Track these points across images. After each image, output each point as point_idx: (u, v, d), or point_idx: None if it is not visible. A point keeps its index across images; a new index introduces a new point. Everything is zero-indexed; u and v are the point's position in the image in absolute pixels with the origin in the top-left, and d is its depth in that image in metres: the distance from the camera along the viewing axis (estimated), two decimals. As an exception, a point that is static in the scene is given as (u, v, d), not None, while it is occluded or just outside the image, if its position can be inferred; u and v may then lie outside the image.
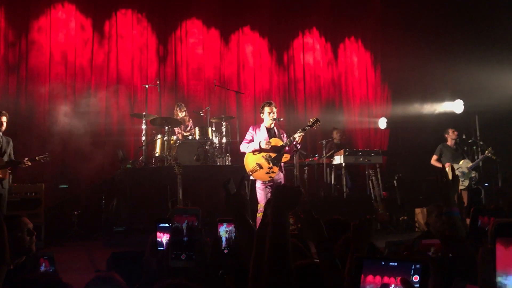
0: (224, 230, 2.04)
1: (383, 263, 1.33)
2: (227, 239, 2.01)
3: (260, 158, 6.15)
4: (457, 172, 7.67)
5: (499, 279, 0.83)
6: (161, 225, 2.23)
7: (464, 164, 7.98)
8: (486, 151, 7.94)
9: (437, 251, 2.11)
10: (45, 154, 6.78)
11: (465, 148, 8.47)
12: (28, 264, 2.60)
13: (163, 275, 1.88)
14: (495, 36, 9.72)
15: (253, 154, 6.22)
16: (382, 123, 11.00)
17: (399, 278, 1.29)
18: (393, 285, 1.30)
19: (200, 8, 10.16)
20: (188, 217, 1.85)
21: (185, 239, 1.81)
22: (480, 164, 8.14)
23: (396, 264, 1.32)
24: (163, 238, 2.21)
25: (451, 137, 8.27)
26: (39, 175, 8.22)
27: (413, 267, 1.30)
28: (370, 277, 1.33)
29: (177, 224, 1.83)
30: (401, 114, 10.85)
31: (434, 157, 8.29)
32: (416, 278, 1.28)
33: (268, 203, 1.96)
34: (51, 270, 2.18)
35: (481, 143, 8.45)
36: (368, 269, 1.33)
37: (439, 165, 8.16)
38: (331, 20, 11.50)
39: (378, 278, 1.32)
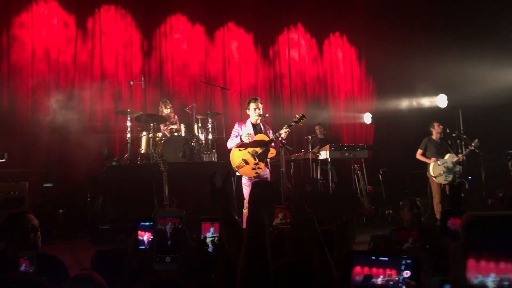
0: (210, 236, 2.03)
1: (373, 257, 1.35)
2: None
3: (246, 154, 6.15)
4: (442, 168, 7.84)
5: (471, 276, 0.83)
6: (142, 224, 2.23)
7: (449, 159, 8.05)
8: (473, 144, 8.01)
9: (414, 242, 2.14)
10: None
11: (449, 142, 8.55)
12: (5, 264, 2.60)
13: (145, 274, 1.88)
14: (478, 31, 9.84)
15: (239, 150, 6.22)
16: (367, 118, 11.08)
17: (387, 270, 1.30)
18: (381, 276, 1.32)
19: (185, 3, 10.11)
20: (171, 219, 1.84)
21: (169, 242, 1.80)
22: (465, 158, 8.22)
23: (387, 259, 1.33)
24: (145, 236, 2.21)
25: (436, 130, 8.31)
26: (23, 173, 8.13)
27: (404, 262, 1.31)
28: (358, 268, 1.34)
29: (161, 227, 1.82)
30: (386, 109, 10.94)
31: (419, 151, 8.33)
32: (407, 273, 1.30)
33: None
34: (31, 270, 2.16)
35: (464, 136, 8.54)
36: (358, 262, 1.34)
37: (424, 159, 8.23)
38: (316, 15, 11.53)
39: (366, 269, 1.33)
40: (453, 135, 8.60)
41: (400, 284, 1.31)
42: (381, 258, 1.34)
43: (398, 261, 1.32)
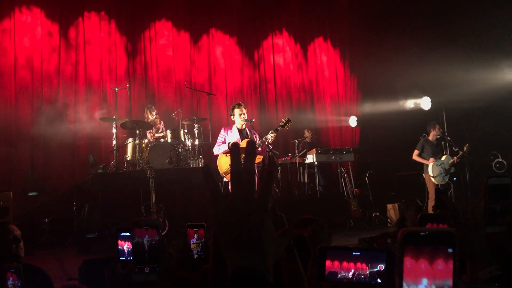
0: (195, 243, 2.03)
1: (346, 252, 1.35)
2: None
3: (232, 160, 6.15)
4: (440, 168, 7.92)
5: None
6: (122, 234, 2.23)
7: (446, 160, 8.14)
8: (465, 148, 8.13)
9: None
10: None
11: (447, 144, 8.64)
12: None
13: (127, 285, 1.87)
14: (461, 34, 9.97)
15: (226, 156, 6.22)
16: (353, 121, 11.15)
17: (358, 263, 1.31)
18: (352, 270, 1.32)
19: (169, 10, 10.10)
20: (148, 230, 1.83)
21: (146, 254, 1.80)
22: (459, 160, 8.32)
23: (359, 253, 1.34)
24: (125, 246, 2.21)
25: (436, 132, 8.37)
26: (7, 182, 8.03)
27: (376, 256, 1.32)
28: (328, 263, 1.34)
29: (138, 239, 1.81)
30: (371, 112, 11.03)
31: (416, 152, 8.32)
32: (381, 267, 1.30)
33: None
34: (19, 284, 2.12)
35: (449, 138, 8.64)
36: (329, 257, 1.34)
37: (421, 160, 8.26)
38: (300, 20, 11.60)
39: (336, 263, 1.33)
40: (437, 137, 8.69)
41: (370, 278, 1.32)
42: (354, 253, 1.34)
43: (370, 255, 1.33)
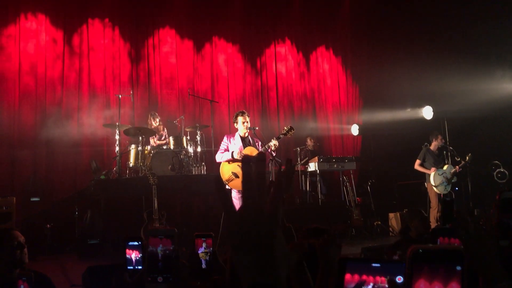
0: (203, 252, 2.05)
1: (366, 264, 1.35)
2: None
3: (235, 167, 6.17)
4: (441, 177, 7.94)
5: None
6: (130, 243, 2.25)
7: (448, 169, 8.17)
8: (467, 157, 8.16)
9: None
10: None
11: (448, 153, 8.66)
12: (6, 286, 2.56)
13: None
14: (463, 44, 10.02)
15: (229, 163, 6.24)
16: (355, 130, 11.17)
17: (377, 277, 1.30)
18: (371, 284, 1.32)
19: (172, 17, 10.15)
20: (163, 240, 1.84)
21: (159, 264, 1.81)
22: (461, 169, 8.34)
23: (379, 265, 1.33)
24: (132, 255, 2.23)
25: (438, 142, 8.42)
26: (9, 188, 8.04)
27: (396, 268, 1.31)
28: (348, 276, 1.33)
29: (152, 248, 1.82)
30: (373, 120, 11.05)
31: (418, 161, 8.39)
32: (399, 279, 1.30)
33: None
34: (31, 292, 2.12)
35: (451, 148, 8.67)
36: (349, 270, 1.34)
37: (423, 169, 8.30)
38: (302, 29, 11.67)
39: (356, 276, 1.33)
40: (439, 146, 8.71)
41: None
42: (373, 265, 1.34)
43: (389, 267, 1.33)
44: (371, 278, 1.31)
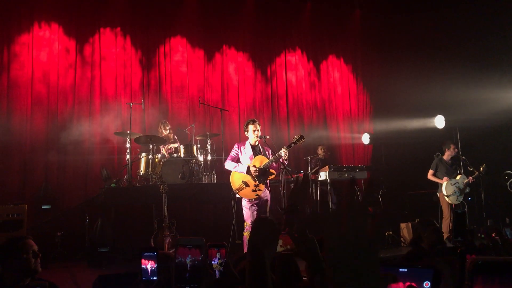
0: (217, 263, 2.02)
1: (393, 269, 1.33)
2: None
3: (246, 176, 6.14)
4: (454, 187, 7.87)
5: None
6: (145, 253, 2.24)
7: (461, 180, 8.13)
8: (481, 168, 8.10)
9: None
10: None
11: (461, 164, 8.60)
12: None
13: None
14: (474, 52, 9.95)
15: (239, 172, 6.21)
16: (366, 139, 11.11)
17: (407, 283, 1.29)
18: None
19: (184, 26, 10.21)
20: (192, 250, 1.83)
21: (187, 275, 1.79)
22: (474, 180, 8.27)
23: (406, 270, 1.32)
24: (148, 265, 2.21)
25: (451, 152, 8.39)
26: (21, 195, 8.09)
27: (423, 273, 1.30)
28: None
29: (181, 259, 1.81)
30: (384, 129, 10.99)
31: (431, 171, 8.41)
32: (427, 284, 1.28)
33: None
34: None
35: (463, 157, 8.59)
36: None
37: (436, 179, 8.29)
38: (313, 38, 11.70)
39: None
40: (452, 156, 8.63)
41: None
42: (400, 270, 1.33)
43: (417, 272, 1.31)
44: (400, 284, 1.30)
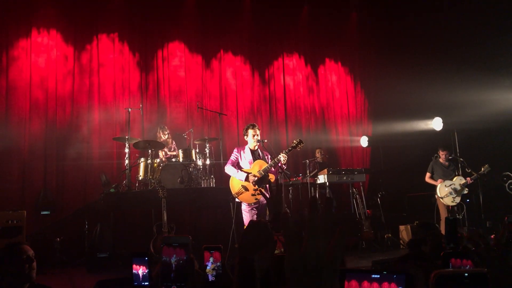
0: (210, 268, 2.04)
1: (365, 275, 1.33)
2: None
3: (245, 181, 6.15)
4: (449, 189, 7.89)
5: None
6: (136, 258, 2.25)
7: (457, 181, 8.15)
8: (482, 168, 8.12)
9: None
10: None
11: (459, 165, 8.62)
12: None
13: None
14: (473, 55, 9.98)
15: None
16: (364, 142, 11.14)
17: (383, 286, 1.29)
18: None
19: (182, 31, 10.23)
20: (177, 250, 1.83)
21: (172, 274, 1.80)
22: (472, 181, 8.27)
23: (378, 276, 1.32)
24: (139, 270, 2.23)
25: (441, 158, 8.47)
26: (20, 201, 8.08)
27: (395, 277, 1.30)
28: (352, 284, 1.30)
29: (165, 258, 1.82)
30: (382, 132, 11.01)
31: (428, 174, 8.50)
32: None
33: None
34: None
35: (461, 159, 8.61)
36: (348, 280, 1.32)
37: (432, 181, 8.35)
38: (310, 42, 11.72)
39: (355, 283, 1.30)
40: (450, 157, 8.66)
41: None
42: (373, 276, 1.33)
43: (389, 278, 1.31)
44: (375, 284, 1.30)
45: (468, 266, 2.42)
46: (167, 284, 1.81)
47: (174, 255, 1.85)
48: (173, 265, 1.83)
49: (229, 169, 6.32)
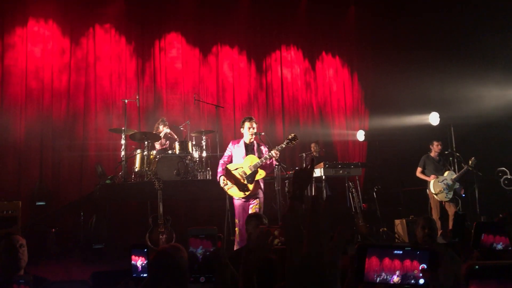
0: (200, 252, 2.04)
1: (387, 251, 1.30)
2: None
3: (235, 175, 6.17)
4: (442, 185, 7.90)
5: None
6: (136, 250, 2.25)
7: (449, 176, 8.16)
8: (470, 162, 8.13)
9: None
10: None
11: (450, 159, 8.64)
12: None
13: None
14: (469, 50, 9.98)
15: (232, 171, 6.22)
16: (361, 136, 11.14)
17: (404, 262, 1.26)
18: (397, 271, 1.28)
19: (179, 23, 10.18)
20: (204, 241, 1.84)
21: (196, 266, 1.80)
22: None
23: (401, 252, 1.29)
24: (138, 262, 2.22)
25: (434, 149, 8.46)
26: (15, 192, 8.06)
27: (419, 254, 1.27)
28: (367, 262, 1.29)
29: (192, 249, 1.82)
30: (379, 126, 11.01)
31: (419, 169, 8.50)
32: (423, 267, 1.26)
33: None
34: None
35: (457, 154, 8.64)
36: (370, 256, 1.30)
37: (423, 177, 8.37)
38: (308, 35, 11.67)
39: (376, 262, 1.29)
40: (446, 152, 8.68)
41: (416, 277, 1.27)
42: (395, 252, 1.30)
43: (413, 254, 1.28)
44: (393, 264, 1.27)
45: (501, 243, 2.27)
46: (195, 276, 1.82)
47: (201, 246, 1.86)
48: (200, 256, 1.83)
49: (219, 165, 6.33)
